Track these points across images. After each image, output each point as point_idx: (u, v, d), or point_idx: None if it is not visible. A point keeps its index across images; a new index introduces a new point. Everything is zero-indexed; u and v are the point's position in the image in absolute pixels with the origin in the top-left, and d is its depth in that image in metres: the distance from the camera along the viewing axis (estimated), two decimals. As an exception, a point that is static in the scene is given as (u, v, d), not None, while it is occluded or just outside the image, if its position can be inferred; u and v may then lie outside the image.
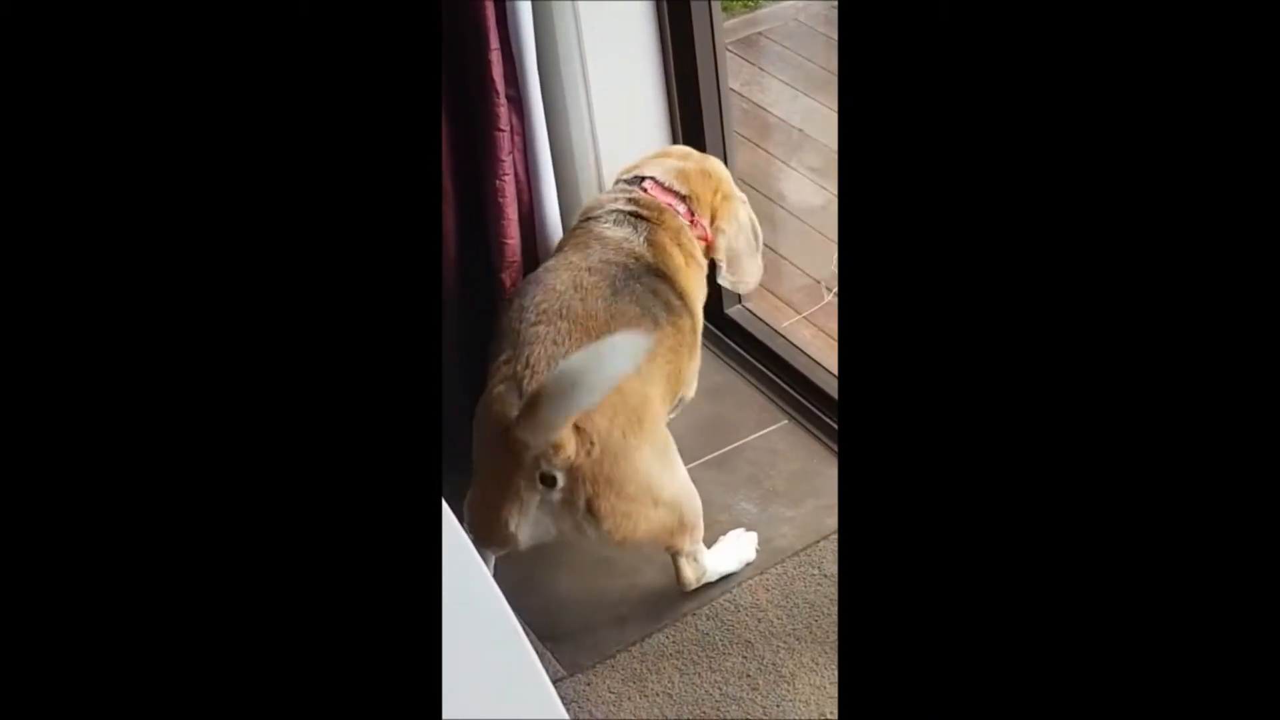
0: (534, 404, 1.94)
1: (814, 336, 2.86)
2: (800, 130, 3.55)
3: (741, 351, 2.75)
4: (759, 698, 2.11)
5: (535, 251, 2.49)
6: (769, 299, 2.98)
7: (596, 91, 2.49)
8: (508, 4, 2.29)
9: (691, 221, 2.36)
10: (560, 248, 2.36)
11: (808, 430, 2.58)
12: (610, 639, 2.25)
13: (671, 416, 2.57)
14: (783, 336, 2.78)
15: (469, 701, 1.19)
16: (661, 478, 2.13)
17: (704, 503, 2.25)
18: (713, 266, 2.46)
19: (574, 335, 2.09)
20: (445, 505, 1.37)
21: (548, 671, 1.29)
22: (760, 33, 3.96)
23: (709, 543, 2.29)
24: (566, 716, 1.24)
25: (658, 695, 2.15)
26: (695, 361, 2.38)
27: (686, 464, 2.24)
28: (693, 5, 2.50)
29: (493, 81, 2.30)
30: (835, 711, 2.08)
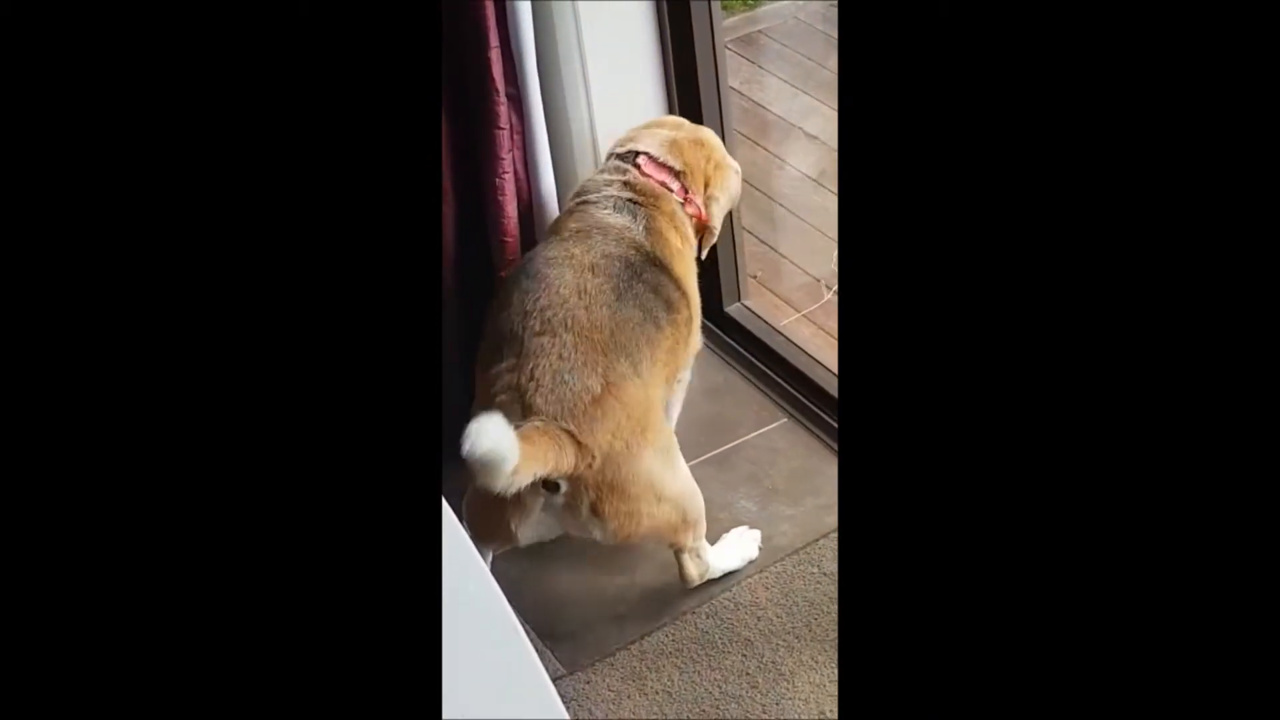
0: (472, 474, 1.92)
1: (814, 335, 2.86)
2: (799, 128, 3.55)
3: (741, 350, 2.75)
4: (759, 696, 2.11)
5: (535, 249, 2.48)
6: (769, 297, 2.98)
7: (596, 90, 2.49)
8: (507, 3, 2.29)
9: (685, 199, 2.35)
10: (557, 230, 2.31)
11: (807, 428, 2.58)
12: (610, 637, 2.25)
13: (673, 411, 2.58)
14: (782, 335, 2.78)
15: (468, 699, 1.19)
16: (664, 476, 2.13)
17: (704, 501, 2.25)
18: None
19: (579, 349, 2.08)
20: (445, 503, 1.37)
21: (547, 670, 1.29)
22: (760, 31, 3.96)
23: (710, 541, 2.29)
24: (566, 715, 1.24)
25: (657, 693, 2.15)
26: (693, 347, 2.36)
27: (687, 461, 2.24)
28: (692, 4, 2.49)
29: (492, 80, 2.30)
30: (835, 710, 2.08)
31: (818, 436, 2.56)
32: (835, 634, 2.19)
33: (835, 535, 2.36)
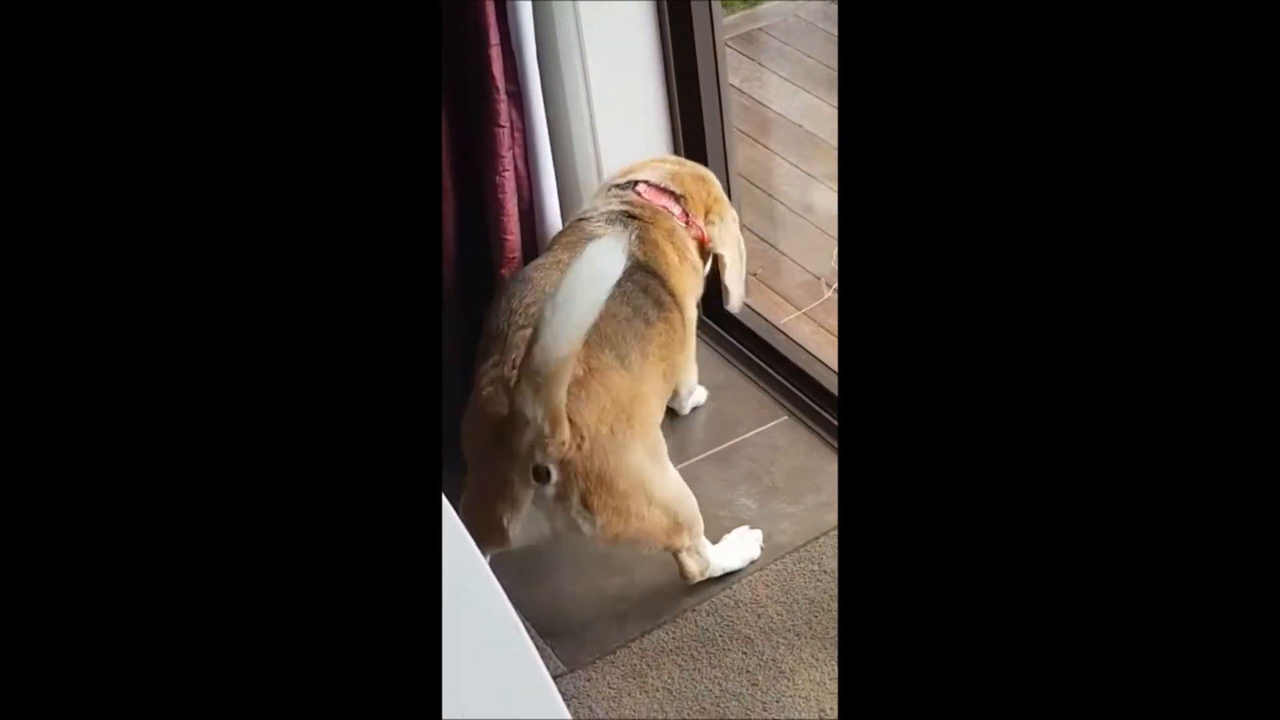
0: (534, 340, 1.90)
1: (814, 332, 2.86)
2: (800, 126, 3.55)
3: (741, 348, 2.75)
4: (759, 693, 2.12)
5: (535, 247, 2.49)
6: (768, 295, 2.99)
7: (596, 87, 2.50)
8: (508, 0, 2.29)
9: (686, 222, 2.37)
10: (551, 247, 2.36)
11: (808, 426, 2.58)
12: (610, 635, 2.25)
13: (686, 412, 2.59)
14: (782, 332, 2.79)
15: (469, 697, 1.19)
16: (653, 476, 2.12)
17: (704, 499, 2.25)
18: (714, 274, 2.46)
19: None
20: (445, 502, 1.37)
21: (548, 667, 1.29)
22: (760, 28, 3.96)
23: (712, 541, 2.29)
24: (567, 713, 1.24)
25: (658, 691, 2.15)
26: (689, 359, 2.38)
27: (686, 460, 2.25)
28: (692, 1, 2.50)
29: (493, 77, 2.30)
30: (835, 707, 2.09)
31: (818, 434, 2.56)
32: (836, 631, 2.19)
33: (835, 533, 2.36)
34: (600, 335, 2.11)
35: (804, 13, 3.98)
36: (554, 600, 2.33)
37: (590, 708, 2.14)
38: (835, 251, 3.07)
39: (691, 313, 2.37)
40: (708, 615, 2.25)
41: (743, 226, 2.68)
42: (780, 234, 3.21)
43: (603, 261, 1.87)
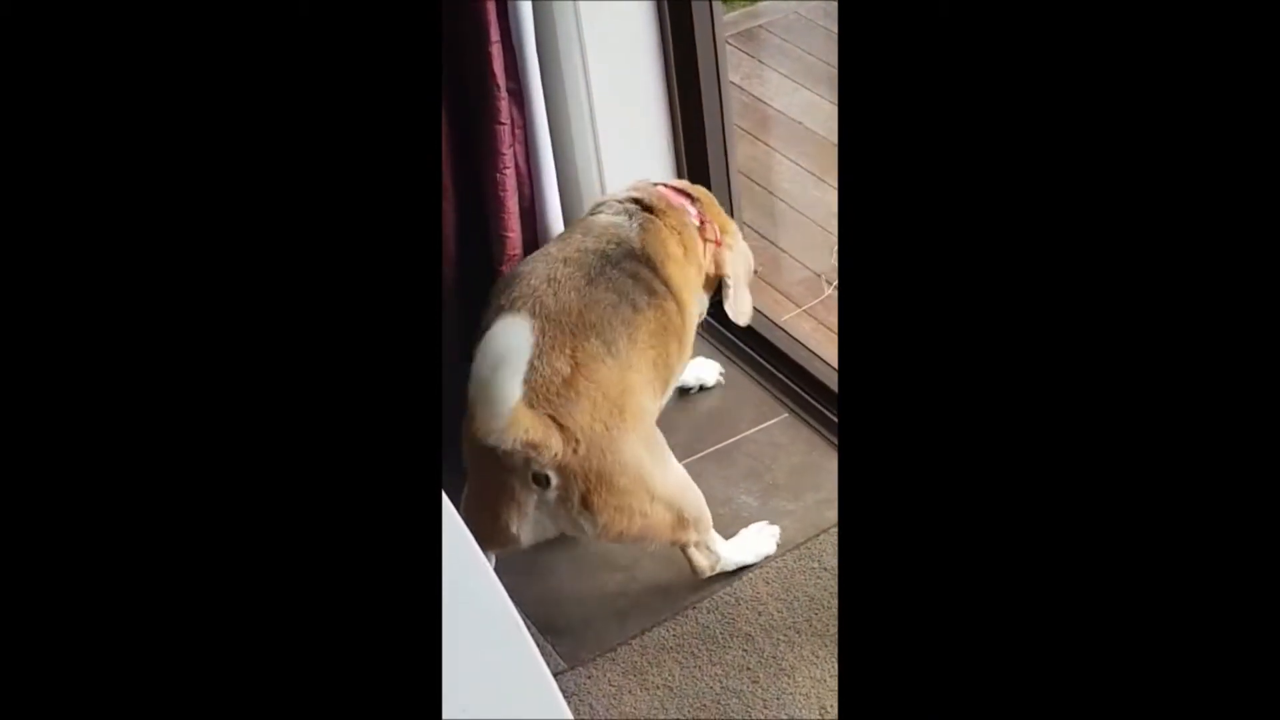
0: (471, 408, 1.95)
1: (814, 330, 2.86)
2: (800, 123, 3.55)
3: (742, 345, 2.75)
4: (759, 691, 2.12)
5: (535, 245, 2.48)
6: (769, 292, 2.98)
7: (597, 84, 2.49)
8: (508, -2, 2.29)
9: (702, 224, 2.37)
10: (553, 241, 2.37)
11: (808, 424, 2.58)
12: (611, 632, 2.25)
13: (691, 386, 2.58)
14: (783, 330, 2.79)
15: (469, 695, 1.19)
16: (653, 471, 2.12)
17: (704, 496, 2.24)
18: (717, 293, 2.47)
19: (547, 332, 2.09)
20: (446, 499, 1.37)
21: (548, 665, 1.29)
22: (760, 25, 3.96)
23: (724, 536, 2.29)
24: (568, 711, 1.24)
25: (658, 688, 2.15)
26: (686, 351, 2.37)
27: (687, 458, 2.25)
28: (693, -1, 2.50)
29: (493, 75, 2.30)
30: (835, 704, 2.09)
31: (818, 431, 2.56)
32: (836, 629, 2.19)
33: (836, 530, 2.36)
34: (585, 323, 2.11)
35: (804, 10, 3.98)
36: (554, 597, 2.33)
37: (591, 705, 2.14)
38: (835, 249, 3.07)
39: (691, 308, 2.36)
40: (708, 612, 2.25)
41: (742, 224, 2.68)
42: (780, 231, 3.21)
43: (504, 340, 1.91)
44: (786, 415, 2.61)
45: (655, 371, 2.22)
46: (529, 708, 1.25)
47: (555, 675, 1.73)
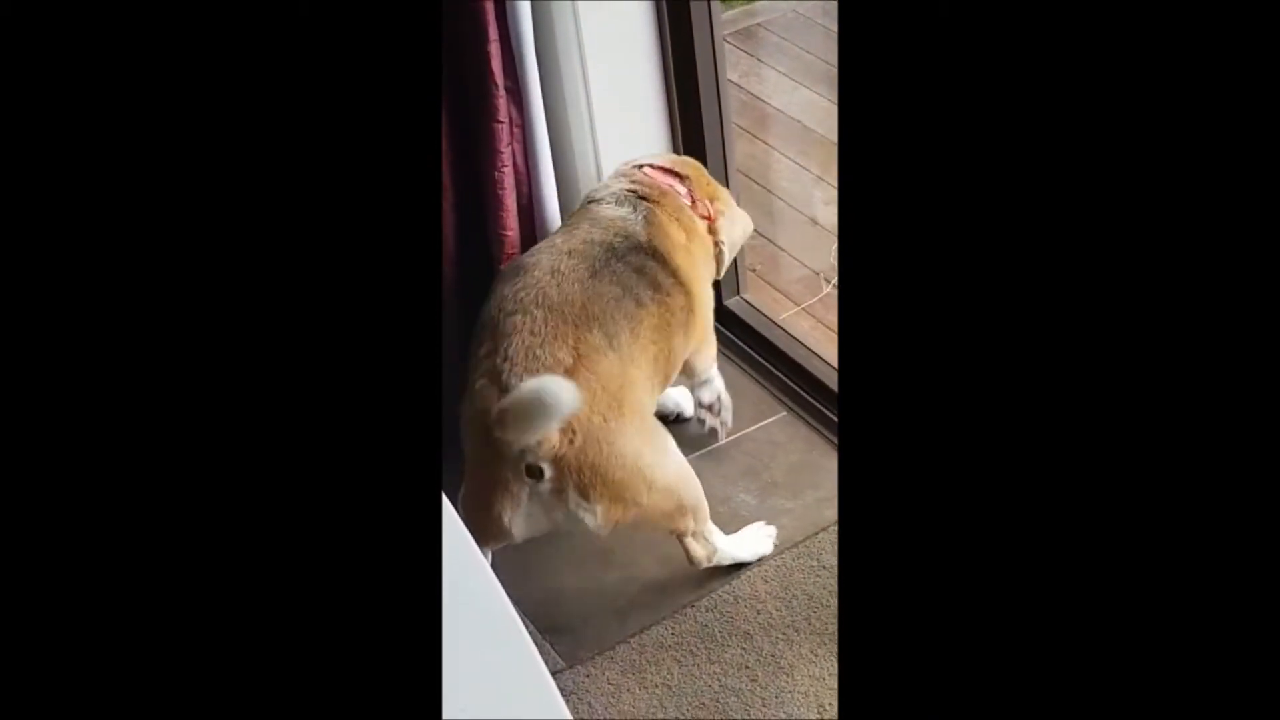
0: (502, 421, 1.96)
1: (812, 328, 2.86)
2: (798, 122, 3.55)
3: (740, 343, 2.75)
4: (758, 689, 2.12)
5: (534, 243, 2.48)
6: (767, 291, 2.98)
7: (595, 83, 2.49)
8: (507, -3, 2.29)
9: (692, 201, 2.37)
10: (557, 232, 2.37)
11: (806, 422, 2.58)
12: (609, 630, 2.25)
13: (704, 402, 2.55)
14: (781, 328, 2.78)
15: (467, 694, 1.19)
16: (651, 460, 2.11)
17: (704, 494, 2.24)
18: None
19: (550, 323, 2.09)
20: (445, 499, 1.37)
21: (546, 663, 1.29)
22: (758, 24, 3.96)
23: (726, 533, 2.29)
24: (566, 711, 1.24)
25: (657, 687, 2.15)
26: (693, 340, 2.35)
27: (686, 456, 2.24)
28: (691, -3, 2.50)
29: (492, 74, 2.30)
30: (834, 703, 2.09)
31: (817, 430, 2.56)
32: (834, 627, 2.19)
33: (834, 529, 2.36)
34: (588, 315, 2.11)
35: (802, 8, 3.98)
36: (553, 596, 2.33)
37: (589, 704, 2.14)
38: (834, 247, 3.07)
39: (704, 294, 2.36)
40: (707, 611, 2.25)
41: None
42: (779, 229, 3.21)
43: (554, 397, 1.92)
44: (785, 413, 2.61)
45: (656, 366, 2.22)
46: (527, 706, 1.25)
47: (554, 674, 1.73)
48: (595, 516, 2.07)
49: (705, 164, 2.58)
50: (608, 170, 2.52)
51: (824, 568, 2.29)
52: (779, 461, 2.52)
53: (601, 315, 2.12)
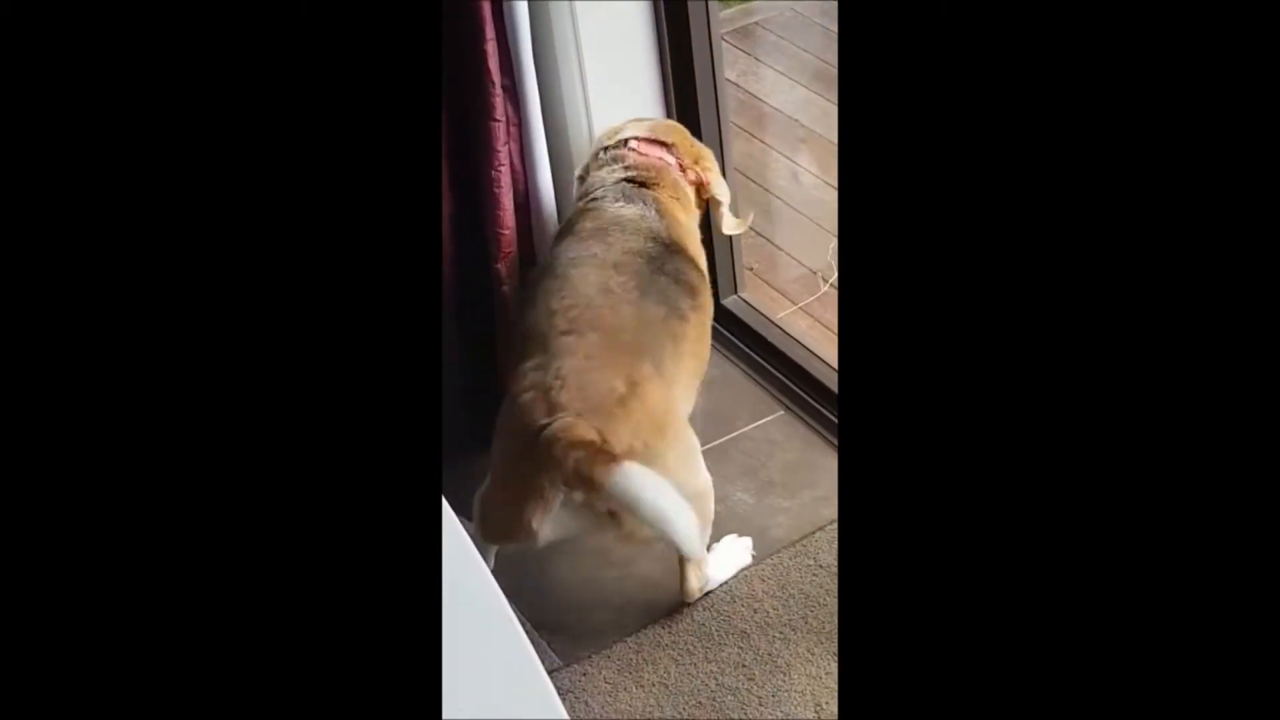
0: (594, 480, 1.99)
1: (810, 327, 2.86)
2: (796, 120, 3.55)
3: (738, 342, 2.75)
4: (755, 688, 2.12)
5: (531, 241, 2.48)
6: (765, 290, 2.98)
7: (592, 81, 2.49)
8: (504, -5, 2.29)
9: (682, 168, 2.38)
10: (573, 230, 2.31)
11: (804, 421, 2.58)
12: (606, 629, 2.25)
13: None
14: (779, 327, 2.78)
15: (464, 692, 1.19)
16: (682, 482, 2.12)
17: (700, 493, 2.25)
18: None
19: (605, 350, 2.08)
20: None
21: (543, 662, 1.29)
22: (756, 23, 3.96)
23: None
24: (561, 708, 1.24)
25: (654, 685, 2.15)
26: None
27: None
28: (689, -5, 2.50)
29: (488, 72, 2.30)
30: (831, 701, 2.09)
31: (814, 429, 2.56)
32: (831, 626, 2.19)
33: (831, 528, 2.36)
34: (639, 345, 2.11)
35: (800, 7, 3.98)
36: (550, 595, 2.33)
37: (586, 703, 2.14)
38: (831, 246, 3.07)
39: (704, 263, 2.37)
40: (704, 610, 2.25)
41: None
42: (776, 228, 3.21)
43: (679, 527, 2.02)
44: (782, 413, 2.61)
45: (691, 379, 2.25)
46: (524, 705, 1.25)
47: (550, 673, 1.73)
48: (620, 533, 2.09)
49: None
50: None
51: (821, 567, 2.29)
52: (776, 460, 2.52)
53: (651, 343, 2.13)
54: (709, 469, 2.45)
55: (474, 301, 2.49)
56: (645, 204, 2.29)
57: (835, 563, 2.29)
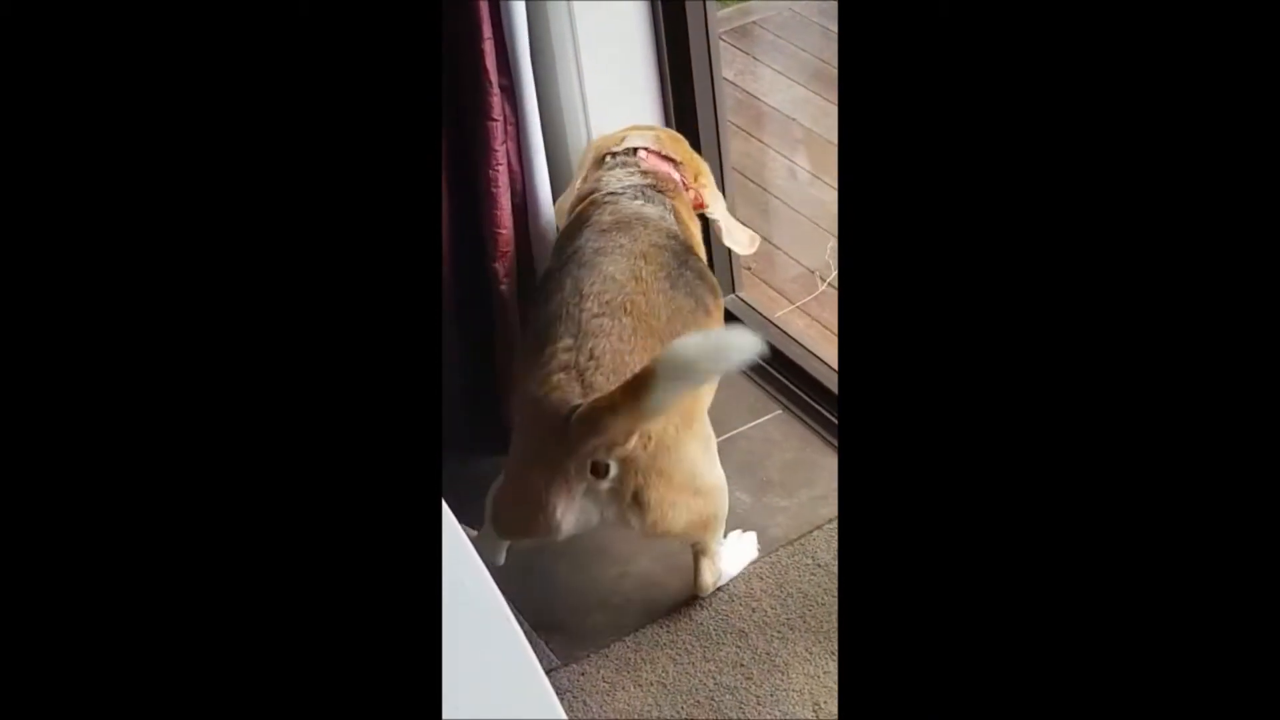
0: (642, 384, 1.91)
1: (808, 326, 2.86)
2: (794, 120, 3.55)
3: (735, 341, 2.75)
4: (753, 687, 2.12)
5: (529, 241, 2.48)
6: (763, 289, 2.99)
7: (590, 81, 2.49)
8: (501, -6, 2.29)
9: (686, 187, 2.40)
10: (591, 223, 2.27)
11: (802, 420, 2.58)
12: (604, 628, 2.25)
13: None
14: (776, 326, 2.79)
15: (462, 691, 1.19)
16: (704, 470, 2.13)
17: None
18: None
19: (639, 333, 2.08)
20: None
21: (541, 661, 1.29)
22: (754, 22, 3.96)
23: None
24: (559, 707, 1.24)
25: (652, 685, 2.15)
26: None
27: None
28: (686, -4, 2.50)
29: (486, 71, 2.30)
30: (829, 700, 2.09)
31: (812, 428, 2.56)
32: (830, 625, 2.19)
33: (829, 527, 2.36)
34: (671, 332, 2.11)
35: (798, 7, 3.98)
36: (548, 594, 2.33)
37: (584, 702, 2.14)
38: (829, 245, 3.07)
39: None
40: (702, 609, 2.25)
41: (737, 220, 2.68)
42: (774, 228, 3.21)
43: (739, 345, 1.91)
44: (780, 412, 2.61)
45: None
46: (522, 705, 1.25)
47: (548, 672, 1.73)
48: (645, 521, 2.07)
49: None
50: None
51: (819, 566, 2.29)
52: (774, 459, 2.52)
53: (681, 332, 2.13)
54: (709, 468, 2.47)
55: (472, 301, 2.49)
56: (664, 207, 2.30)
57: (833, 562, 2.29)
